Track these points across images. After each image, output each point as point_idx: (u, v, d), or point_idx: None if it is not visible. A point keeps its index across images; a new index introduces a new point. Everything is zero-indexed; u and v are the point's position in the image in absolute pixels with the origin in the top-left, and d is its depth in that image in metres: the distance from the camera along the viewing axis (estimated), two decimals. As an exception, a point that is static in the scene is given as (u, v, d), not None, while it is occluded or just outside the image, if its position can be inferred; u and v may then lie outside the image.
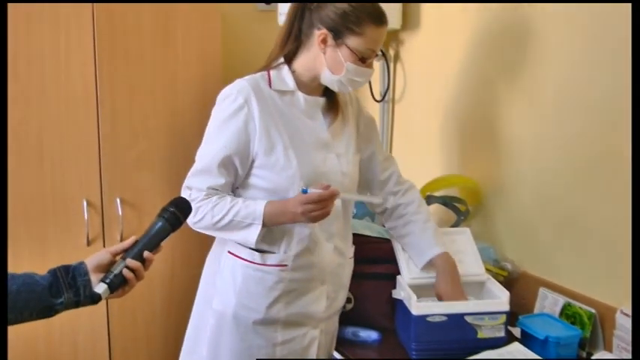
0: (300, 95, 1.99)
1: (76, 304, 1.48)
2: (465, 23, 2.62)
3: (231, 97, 1.93)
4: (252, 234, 1.90)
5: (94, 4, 2.49)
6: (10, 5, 2.36)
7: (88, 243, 2.58)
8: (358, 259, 2.23)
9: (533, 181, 2.31)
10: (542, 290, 2.22)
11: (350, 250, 2.17)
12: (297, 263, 2.00)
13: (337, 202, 1.97)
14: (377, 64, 3.15)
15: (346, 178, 2.03)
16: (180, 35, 2.66)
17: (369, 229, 2.42)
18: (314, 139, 1.99)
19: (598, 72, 2.01)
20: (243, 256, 2.01)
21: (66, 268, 1.48)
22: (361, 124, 2.18)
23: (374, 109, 3.24)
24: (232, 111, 1.92)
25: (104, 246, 2.61)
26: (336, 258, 2.08)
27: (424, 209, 2.23)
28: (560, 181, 2.19)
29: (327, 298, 2.08)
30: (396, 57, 3.13)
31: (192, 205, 1.88)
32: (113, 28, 2.53)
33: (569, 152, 2.15)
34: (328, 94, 2.06)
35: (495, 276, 2.29)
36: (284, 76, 1.99)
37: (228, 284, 2.03)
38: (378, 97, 3.18)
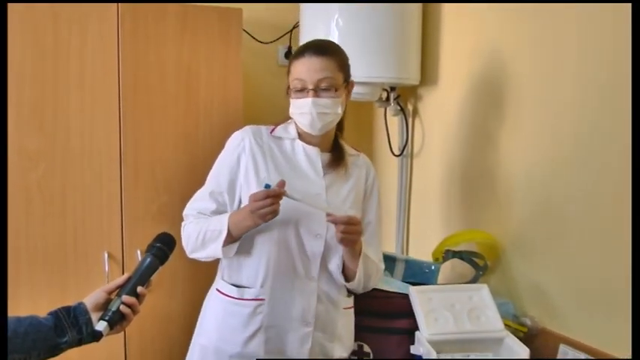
0: (300, 143, 2.11)
1: (79, 342, 1.58)
2: (483, 78, 2.66)
3: (233, 137, 2.15)
4: (220, 242, 1.98)
5: (121, 56, 2.56)
6: (37, 57, 2.44)
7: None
8: (376, 313, 2.23)
9: (552, 236, 2.31)
10: (562, 347, 2.20)
11: (345, 301, 2.16)
12: (275, 299, 2.04)
13: (317, 243, 2.04)
14: (396, 119, 3.18)
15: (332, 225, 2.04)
16: (202, 90, 2.71)
17: (387, 283, 2.41)
18: (305, 182, 2.07)
19: (611, 126, 2.03)
20: (224, 292, 2.10)
21: (67, 309, 1.59)
22: (367, 191, 2.21)
23: (392, 164, 3.26)
24: (230, 148, 2.13)
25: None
26: (323, 303, 2.09)
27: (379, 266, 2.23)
28: (579, 238, 2.18)
29: (315, 344, 2.08)
30: (415, 112, 3.16)
31: (182, 230, 2.09)
32: (137, 83, 2.59)
33: (587, 210, 2.15)
34: (335, 150, 2.15)
35: (515, 332, 2.27)
36: (289, 128, 2.14)
37: (212, 319, 2.13)
38: (396, 152, 3.20)
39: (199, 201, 2.13)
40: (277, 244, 2.03)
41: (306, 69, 2.01)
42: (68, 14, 2.48)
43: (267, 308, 2.04)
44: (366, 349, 2.25)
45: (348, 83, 2.12)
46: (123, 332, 2.62)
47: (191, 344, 2.21)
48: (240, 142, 2.10)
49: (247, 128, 2.14)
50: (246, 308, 2.05)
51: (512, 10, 2.47)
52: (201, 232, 2.04)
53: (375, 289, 2.27)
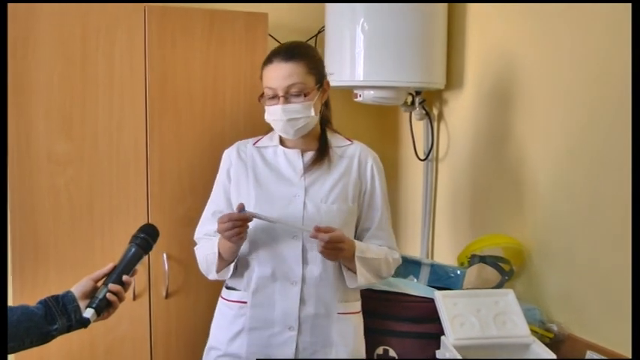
0: (281, 148, 2.17)
1: (69, 329, 1.65)
2: (508, 82, 2.65)
3: (222, 156, 2.24)
4: (215, 262, 2.09)
5: (147, 61, 2.59)
6: (65, 63, 2.48)
7: (134, 297, 2.62)
8: (402, 318, 2.22)
9: (578, 241, 2.29)
10: (589, 353, 2.18)
11: (341, 306, 2.15)
12: (256, 301, 2.09)
13: (296, 244, 2.07)
14: (421, 124, 3.18)
15: (311, 221, 2.05)
16: (228, 94, 2.72)
17: (413, 288, 2.41)
18: (284, 186, 2.12)
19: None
20: (222, 294, 2.22)
21: (55, 298, 1.66)
22: (366, 182, 2.20)
23: (417, 168, 3.26)
24: (221, 167, 2.23)
25: (150, 301, 2.65)
26: (311, 307, 2.09)
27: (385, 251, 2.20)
28: (606, 242, 2.17)
29: (299, 348, 2.09)
30: (440, 116, 3.16)
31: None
32: (164, 88, 2.61)
33: (614, 213, 2.13)
34: (320, 147, 2.17)
35: (541, 338, 2.25)
36: (274, 136, 2.20)
37: (213, 320, 2.23)
38: (421, 156, 3.20)
39: (205, 224, 2.20)
40: (257, 249, 2.10)
41: (274, 76, 2.05)
42: (96, 20, 2.50)
43: (249, 311, 2.10)
44: (392, 353, 2.25)
45: (321, 84, 2.12)
46: (149, 343, 2.66)
47: None
48: (227, 159, 2.21)
49: (235, 144, 2.24)
50: (231, 309, 2.14)
51: (539, 13, 2.46)
52: (203, 256, 2.15)
53: (400, 294, 2.27)
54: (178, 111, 2.65)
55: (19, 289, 2.48)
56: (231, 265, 2.11)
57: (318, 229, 1.95)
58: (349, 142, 2.24)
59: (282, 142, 2.18)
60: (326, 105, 2.22)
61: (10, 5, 2.35)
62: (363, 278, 2.09)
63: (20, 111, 2.44)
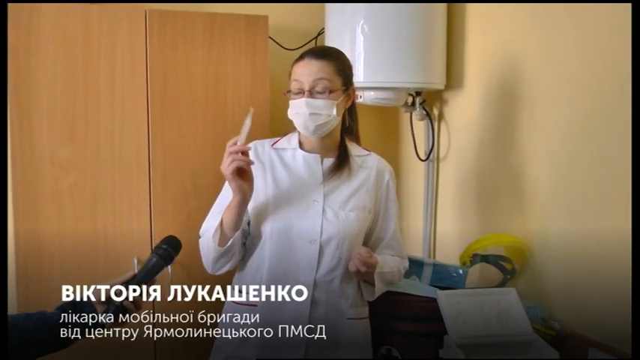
0: (300, 152, 2.16)
1: (86, 333, 1.68)
2: (508, 82, 2.65)
3: None
4: (217, 237, 2.06)
5: (149, 65, 2.60)
6: (67, 68, 2.49)
7: (138, 301, 2.62)
8: (404, 317, 2.23)
9: (580, 239, 2.30)
10: (592, 350, 2.18)
11: (352, 311, 2.16)
12: (266, 304, 2.05)
13: (312, 249, 2.07)
14: (422, 124, 3.18)
15: (330, 226, 2.08)
16: (229, 97, 2.73)
17: (415, 288, 2.42)
18: (304, 190, 2.12)
19: None
20: (229, 294, 2.17)
21: (72, 303, 1.69)
22: (381, 198, 2.23)
23: (419, 168, 3.26)
24: None
25: (153, 305, 2.65)
26: (321, 311, 2.10)
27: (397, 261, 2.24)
28: (608, 239, 2.17)
29: (312, 351, 2.09)
30: (440, 116, 3.16)
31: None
32: (165, 91, 2.63)
33: (614, 211, 2.14)
34: (340, 154, 2.18)
35: (543, 336, 2.25)
36: (292, 139, 2.20)
37: (220, 323, 2.16)
38: (422, 156, 3.20)
39: (212, 220, 2.17)
40: (271, 251, 2.09)
41: (302, 72, 2.08)
42: (97, 25, 2.52)
43: (259, 313, 2.08)
44: (395, 353, 2.26)
45: (347, 89, 2.14)
46: (153, 348, 2.66)
47: None
48: None
49: (251, 144, 2.18)
50: (241, 311, 2.11)
51: (539, 12, 2.47)
52: (205, 242, 2.13)
53: (403, 294, 2.27)
54: (180, 114, 2.66)
55: (23, 292, 2.50)
56: (230, 255, 2.09)
57: (360, 256, 2.03)
58: (367, 153, 2.25)
59: (300, 145, 2.18)
60: (351, 115, 2.23)
61: (12, 9, 2.37)
62: (380, 291, 2.15)
63: (23, 115, 2.46)
